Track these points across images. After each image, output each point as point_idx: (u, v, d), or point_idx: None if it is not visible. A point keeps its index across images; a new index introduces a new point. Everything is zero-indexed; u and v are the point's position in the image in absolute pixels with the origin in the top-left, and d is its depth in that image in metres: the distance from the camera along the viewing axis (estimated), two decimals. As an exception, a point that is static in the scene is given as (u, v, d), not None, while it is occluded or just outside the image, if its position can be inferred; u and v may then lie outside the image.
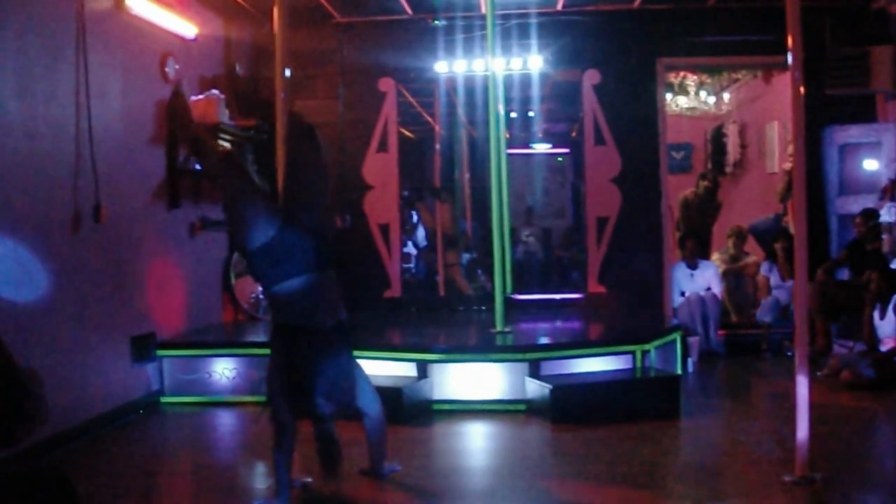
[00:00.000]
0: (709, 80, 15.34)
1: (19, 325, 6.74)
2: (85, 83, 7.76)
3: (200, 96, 9.79)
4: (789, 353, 10.40)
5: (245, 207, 5.57)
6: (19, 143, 6.91)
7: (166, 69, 9.39)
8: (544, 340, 9.38)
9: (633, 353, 8.73)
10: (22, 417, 3.62)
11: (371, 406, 6.05)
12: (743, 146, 15.94)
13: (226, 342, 9.45)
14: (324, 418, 5.53)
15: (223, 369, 9.15)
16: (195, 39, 10.04)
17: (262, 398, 8.67)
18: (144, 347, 8.86)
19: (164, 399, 9.12)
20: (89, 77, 7.80)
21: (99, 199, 7.88)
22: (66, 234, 7.51)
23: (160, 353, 9.13)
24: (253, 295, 10.95)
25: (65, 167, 7.53)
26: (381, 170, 11.82)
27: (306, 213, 5.63)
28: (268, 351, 8.79)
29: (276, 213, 5.56)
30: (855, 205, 11.16)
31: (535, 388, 8.24)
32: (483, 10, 10.62)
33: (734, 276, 12.47)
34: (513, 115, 13.90)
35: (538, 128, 15.45)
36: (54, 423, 7.15)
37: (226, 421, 8.68)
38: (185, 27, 9.77)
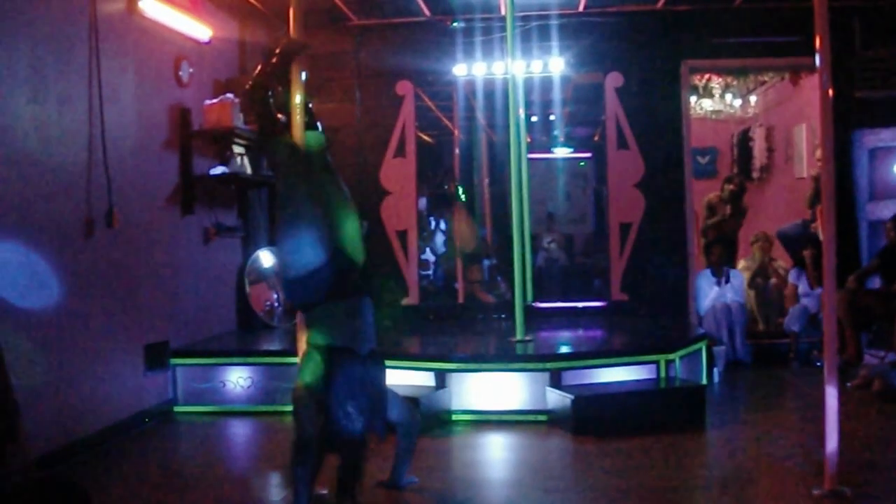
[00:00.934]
0: (734, 83, 15.30)
1: (31, 332, 6.77)
2: (98, 87, 7.80)
3: (215, 100, 9.82)
4: (818, 363, 10.36)
5: (303, 230, 5.56)
6: (32, 147, 6.94)
7: (180, 73, 9.43)
8: (566, 349, 9.37)
9: (657, 362, 8.70)
10: (13, 437, 3.62)
11: (402, 415, 6.07)
12: (770, 150, 15.89)
13: (240, 350, 9.47)
14: (355, 441, 5.52)
15: (237, 378, 9.16)
16: (209, 42, 10.07)
17: (279, 408, 8.78)
18: (158, 355, 8.89)
19: (177, 408, 9.14)
20: (102, 81, 7.84)
21: (112, 204, 7.91)
22: (78, 240, 7.54)
23: (173, 361, 9.16)
24: (268, 303, 10.97)
25: (77, 172, 7.56)
26: (398, 175, 11.84)
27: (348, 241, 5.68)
28: (284, 360, 8.87)
29: (326, 238, 5.56)
30: (886, 210, 11.11)
31: (556, 399, 8.23)
32: (503, 12, 10.64)
33: (761, 284, 12.44)
34: (533, 118, 13.92)
35: (559, 132, 15.44)
36: (68, 432, 7.21)
37: (240, 431, 8.69)
38: (200, 30, 9.79)
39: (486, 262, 13.70)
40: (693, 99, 14.50)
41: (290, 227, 5.66)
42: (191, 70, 9.61)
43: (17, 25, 6.84)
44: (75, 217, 7.52)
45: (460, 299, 12.77)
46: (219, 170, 9.95)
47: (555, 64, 11.70)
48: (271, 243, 11.01)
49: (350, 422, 5.44)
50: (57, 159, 7.28)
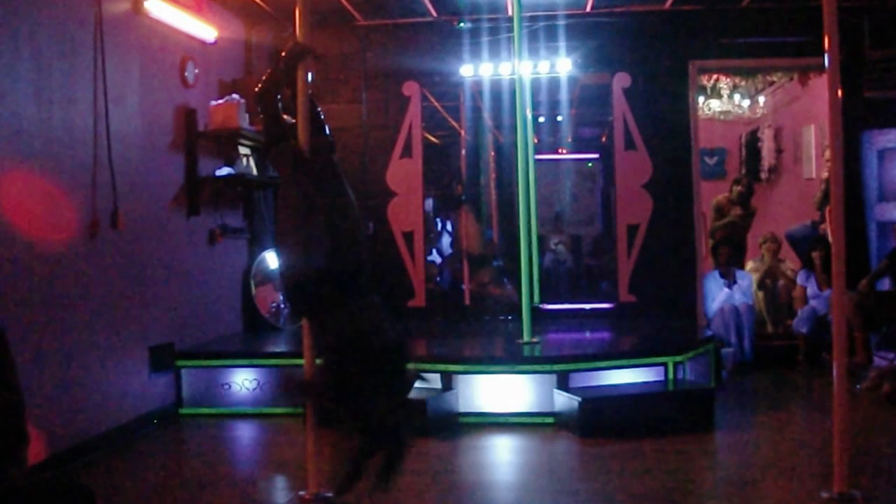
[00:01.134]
0: (743, 83, 15.25)
1: (35, 333, 6.78)
2: (103, 88, 7.81)
3: (220, 101, 9.83)
4: (827, 366, 10.35)
5: (303, 235, 5.47)
6: (36, 148, 6.95)
7: (185, 73, 9.44)
8: (573, 351, 9.33)
9: (664, 364, 8.70)
10: (23, 438, 3.62)
11: None
12: (778, 151, 15.86)
13: (246, 352, 9.47)
14: (393, 432, 5.43)
15: (243, 380, 9.17)
16: (215, 43, 10.09)
17: (284, 410, 8.80)
18: (163, 357, 8.89)
19: (182, 410, 9.15)
20: (107, 82, 7.85)
21: (117, 206, 7.92)
22: (83, 241, 7.55)
23: (179, 363, 9.16)
24: (274, 304, 10.98)
25: (82, 173, 7.57)
26: (405, 176, 11.83)
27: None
28: (290, 362, 8.85)
29: (328, 243, 5.47)
30: (895, 211, 11.09)
31: (563, 401, 8.22)
32: (510, 12, 10.62)
33: (770, 286, 12.43)
34: (540, 119, 13.89)
35: (566, 133, 15.41)
36: (72, 434, 7.22)
37: (245, 433, 8.69)
38: (205, 30, 9.81)
39: (494, 264, 13.67)
40: (701, 99, 14.47)
41: (290, 232, 5.61)
42: (196, 71, 9.62)
43: (22, 26, 6.84)
44: (80, 218, 7.53)
45: (467, 301, 12.76)
46: (224, 171, 9.96)
47: (562, 64, 11.68)
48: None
49: (383, 417, 5.37)
50: (61, 160, 7.29)
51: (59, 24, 7.32)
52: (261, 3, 10.55)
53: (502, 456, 7.86)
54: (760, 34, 11.40)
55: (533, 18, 11.36)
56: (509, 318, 11.46)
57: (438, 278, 13.79)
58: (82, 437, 7.39)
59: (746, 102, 15.81)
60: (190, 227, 9.57)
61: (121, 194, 7.97)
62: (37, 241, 6.89)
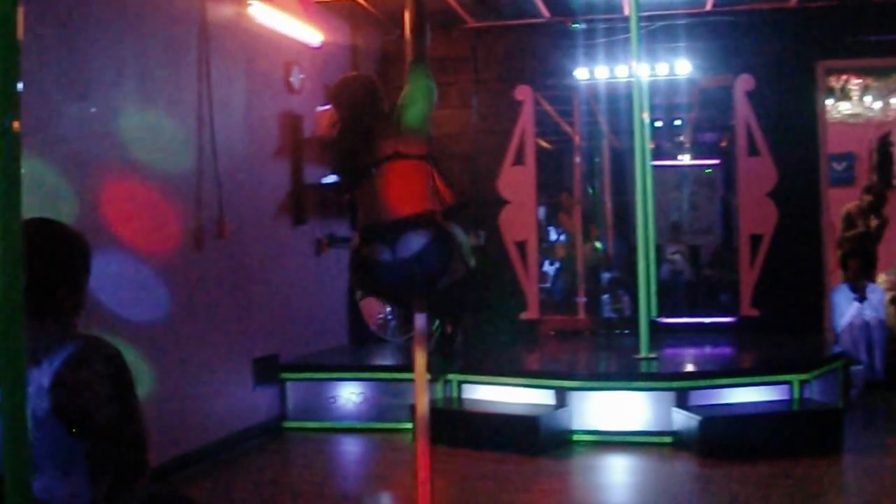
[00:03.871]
0: (875, 84, 14.95)
1: (140, 345, 6.90)
2: (207, 94, 7.94)
3: (326, 106, 9.92)
4: (966, 386, 10.09)
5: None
6: (141, 155, 7.07)
7: (291, 78, 9.54)
8: (692, 368, 9.26)
9: (790, 382, 8.52)
10: (143, 471, 3.67)
11: None
12: (913, 156, 15.51)
13: (352, 365, 9.53)
14: None
15: (349, 394, 9.22)
16: (320, 47, 10.18)
17: (391, 424, 8.84)
18: (267, 370, 8.99)
19: (286, 423, 9.24)
20: (212, 88, 7.98)
21: (222, 215, 8.04)
22: (187, 251, 7.67)
23: (283, 375, 9.25)
24: (381, 316, 11.03)
25: (187, 181, 7.70)
26: (517, 183, 11.79)
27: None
28: (397, 375, 8.90)
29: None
30: None
31: (682, 420, 8.11)
32: (626, 12, 10.53)
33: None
34: (658, 124, 13.77)
35: (686, 138, 15.27)
36: (176, 445, 7.34)
37: (351, 448, 8.76)
38: (310, 35, 9.91)
39: (607, 275, 13.59)
40: (829, 102, 14.19)
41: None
42: (301, 76, 9.72)
43: (126, 33, 6.98)
44: (185, 227, 7.66)
45: (581, 314, 12.69)
46: (331, 178, 10.03)
47: (681, 66, 11.55)
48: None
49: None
50: (166, 168, 7.41)
51: (163, 31, 7.46)
52: (367, 5, 10.62)
53: (617, 476, 7.80)
54: (894, 31, 11.14)
55: (650, 18, 11.23)
56: (626, 332, 11.38)
57: (551, 288, 13.76)
58: (186, 449, 7.51)
59: (878, 104, 15.47)
60: (296, 236, 9.67)
61: (226, 203, 8.09)
62: (141, 252, 7.01)
